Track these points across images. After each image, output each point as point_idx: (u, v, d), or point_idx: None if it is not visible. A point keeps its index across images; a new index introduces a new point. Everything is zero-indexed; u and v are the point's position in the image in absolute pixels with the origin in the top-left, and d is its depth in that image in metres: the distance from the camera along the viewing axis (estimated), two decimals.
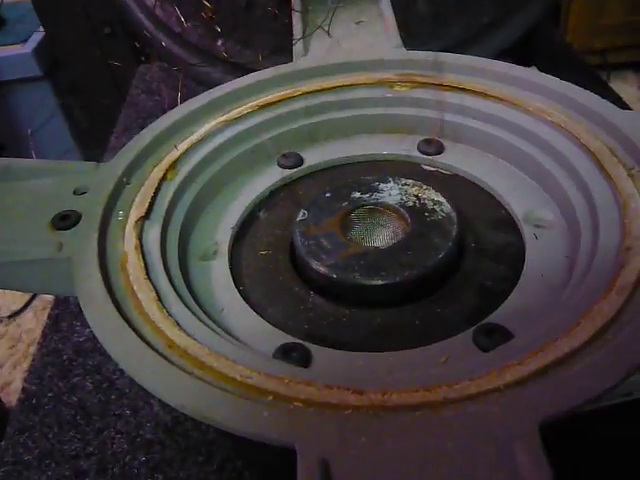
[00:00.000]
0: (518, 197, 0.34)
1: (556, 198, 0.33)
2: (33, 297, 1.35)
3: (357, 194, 0.33)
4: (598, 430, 0.29)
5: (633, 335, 0.22)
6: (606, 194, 0.29)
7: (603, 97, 0.33)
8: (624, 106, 0.58)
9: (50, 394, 0.41)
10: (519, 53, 0.63)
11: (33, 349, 0.44)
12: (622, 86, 1.71)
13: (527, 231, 0.31)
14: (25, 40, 1.32)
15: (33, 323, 1.31)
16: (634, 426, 0.30)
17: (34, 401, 0.41)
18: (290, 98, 0.39)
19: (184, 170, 0.34)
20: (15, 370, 1.22)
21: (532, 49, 0.70)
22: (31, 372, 0.43)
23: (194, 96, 0.38)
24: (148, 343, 0.24)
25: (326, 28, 0.44)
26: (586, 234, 0.28)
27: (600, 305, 0.23)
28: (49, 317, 0.48)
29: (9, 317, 1.33)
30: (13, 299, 1.36)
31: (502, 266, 0.31)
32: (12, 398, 1.07)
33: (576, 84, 0.34)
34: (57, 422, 0.39)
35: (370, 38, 0.43)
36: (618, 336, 0.22)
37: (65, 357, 0.44)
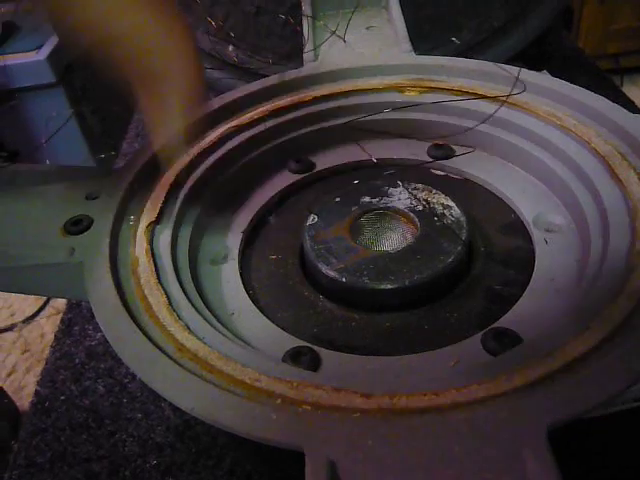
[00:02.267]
0: (528, 201, 0.34)
1: (566, 202, 0.33)
2: (46, 302, 1.36)
3: (367, 198, 0.33)
4: (608, 434, 0.29)
5: None
6: (616, 198, 0.29)
7: (614, 101, 0.33)
8: (636, 110, 0.58)
9: (62, 397, 0.41)
10: (530, 57, 0.62)
11: (46, 354, 0.44)
12: (635, 90, 1.70)
13: (537, 235, 0.31)
14: (39, 47, 1.33)
15: (46, 328, 1.32)
16: None
17: (47, 404, 0.41)
18: (300, 103, 0.39)
19: (195, 175, 0.34)
20: (29, 374, 1.23)
21: (543, 53, 0.70)
22: (44, 376, 0.43)
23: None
24: (158, 347, 0.24)
25: (339, 34, 0.44)
26: (596, 238, 0.28)
27: (610, 310, 0.23)
28: (62, 321, 0.48)
29: (23, 322, 1.34)
30: (27, 304, 1.37)
31: (512, 270, 0.31)
32: (25, 402, 1.08)
33: (587, 88, 0.34)
34: (69, 425, 0.39)
35: (380, 43, 0.43)
36: (627, 341, 0.22)
37: (77, 361, 0.44)
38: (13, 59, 1.32)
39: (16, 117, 1.38)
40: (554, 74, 0.38)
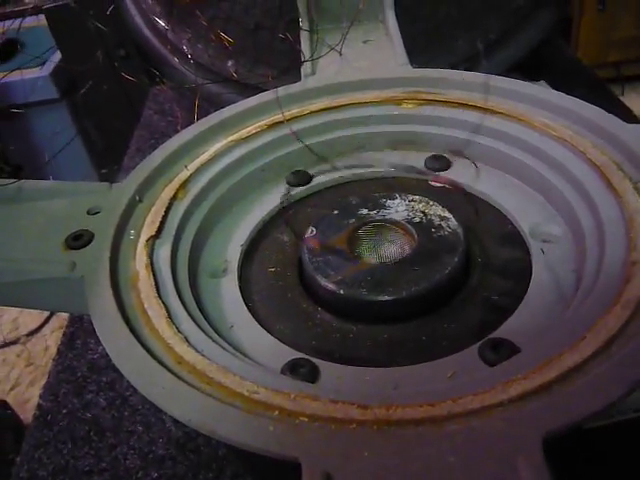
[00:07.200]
0: (524, 212, 0.34)
1: (562, 213, 0.33)
2: (50, 316, 1.37)
3: (364, 211, 0.34)
4: (607, 445, 0.29)
5: (638, 349, 0.22)
6: (612, 208, 0.29)
7: (613, 110, 0.33)
8: (634, 119, 0.58)
9: (65, 410, 0.42)
10: (528, 67, 0.63)
11: (50, 367, 0.45)
12: (636, 99, 1.71)
13: (534, 245, 0.32)
14: (42, 63, 1.34)
15: (50, 341, 1.33)
16: None
17: (49, 417, 0.41)
18: (298, 117, 0.39)
19: (194, 189, 0.35)
20: (33, 387, 1.23)
21: (541, 63, 0.70)
22: (46, 389, 0.44)
23: (206, 116, 0.39)
24: (158, 359, 0.24)
25: (337, 48, 0.44)
26: (592, 248, 0.29)
27: (605, 319, 0.23)
28: (64, 335, 0.48)
29: (27, 335, 1.35)
30: (31, 318, 1.37)
31: (509, 280, 0.31)
32: (29, 415, 1.08)
33: (585, 98, 0.35)
34: (71, 438, 0.40)
35: (377, 56, 0.44)
36: (623, 350, 0.22)
37: (79, 374, 0.44)
38: (17, 75, 1.33)
39: (20, 132, 1.39)
40: (552, 84, 0.38)
